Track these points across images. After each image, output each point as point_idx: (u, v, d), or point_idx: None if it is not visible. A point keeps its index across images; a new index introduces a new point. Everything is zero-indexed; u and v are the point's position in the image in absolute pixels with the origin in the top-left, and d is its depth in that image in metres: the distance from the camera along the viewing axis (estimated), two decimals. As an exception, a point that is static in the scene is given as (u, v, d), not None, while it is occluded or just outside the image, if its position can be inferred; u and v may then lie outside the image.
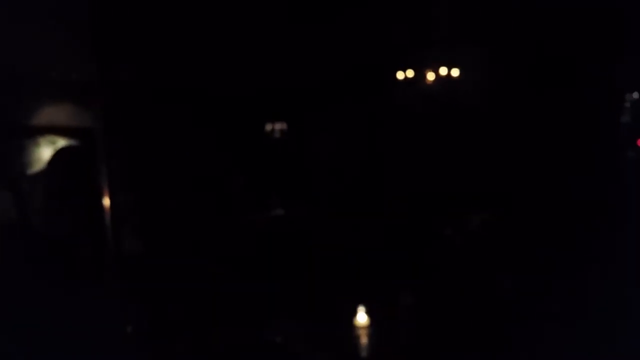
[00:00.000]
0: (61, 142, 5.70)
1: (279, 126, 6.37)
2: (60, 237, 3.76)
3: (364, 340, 4.52)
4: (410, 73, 6.14)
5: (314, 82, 5.99)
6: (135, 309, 4.13)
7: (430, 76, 6.13)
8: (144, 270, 4.47)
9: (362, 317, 4.60)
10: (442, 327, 4.27)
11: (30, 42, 5.14)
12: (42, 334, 3.56)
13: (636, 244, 4.45)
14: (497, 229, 5.47)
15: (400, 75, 6.15)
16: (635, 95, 5.87)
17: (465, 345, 3.88)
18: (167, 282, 4.62)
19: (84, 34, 4.86)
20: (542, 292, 4.41)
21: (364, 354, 4.35)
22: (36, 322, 3.60)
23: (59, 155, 3.98)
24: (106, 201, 4.31)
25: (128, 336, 4.00)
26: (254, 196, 6.04)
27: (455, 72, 6.13)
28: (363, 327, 4.58)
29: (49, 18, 4.80)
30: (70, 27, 4.91)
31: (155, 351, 4.04)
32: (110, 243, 4.20)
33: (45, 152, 5.86)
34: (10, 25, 4.69)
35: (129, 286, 4.17)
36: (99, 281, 3.90)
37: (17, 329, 3.53)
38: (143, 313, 4.18)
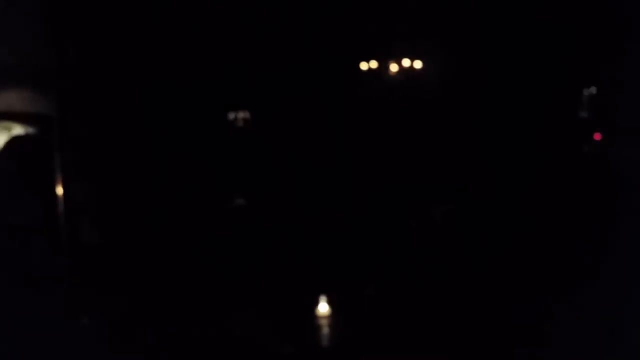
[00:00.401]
0: (17, 128, 5.55)
1: (242, 115, 6.31)
2: (13, 225, 3.66)
3: (325, 330, 4.54)
4: (373, 64, 6.16)
5: (278, 71, 5.95)
6: (91, 300, 4.06)
7: (394, 68, 6.16)
8: (101, 260, 4.39)
9: (323, 307, 4.62)
10: (403, 318, 4.31)
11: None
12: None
13: (591, 233, 4.56)
14: (458, 219, 5.55)
15: (363, 66, 6.17)
16: (592, 89, 6.01)
17: (425, 335, 3.92)
18: (126, 274, 4.55)
19: (42, 19, 4.74)
20: (502, 283, 4.50)
21: (325, 343, 4.37)
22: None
23: (13, 142, 3.86)
24: (61, 190, 4.21)
25: (83, 327, 3.93)
26: (215, 186, 5.98)
27: (417, 64, 6.18)
28: (324, 317, 4.60)
29: (7, 3, 4.67)
30: (29, 12, 4.78)
31: (112, 343, 3.98)
32: (65, 233, 4.12)
33: (0, 138, 5.71)
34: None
35: (85, 277, 4.10)
36: (54, 271, 3.81)
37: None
38: (99, 304, 4.11)
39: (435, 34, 6.07)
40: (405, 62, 6.11)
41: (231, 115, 6.30)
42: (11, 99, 5.81)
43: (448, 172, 5.91)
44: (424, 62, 6.15)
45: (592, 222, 4.80)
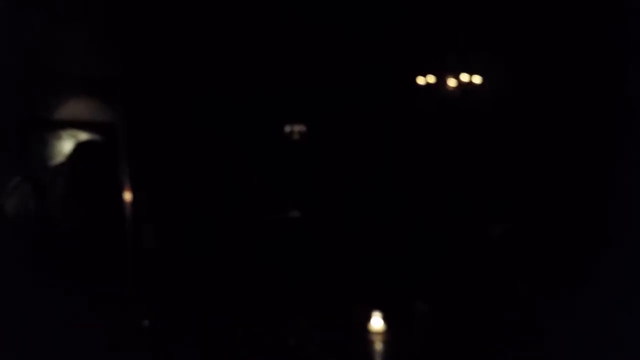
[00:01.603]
0: (83, 136, 5.76)
1: (297, 128, 6.37)
2: (78, 230, 3.79)
3: (378, 346, 4.48)
4: (431, 79, 6.11)
5: (334, 85, 5.98)
6: (151, 304, 4.14)
7: (452, 82, 6.10)
8: (161, 266, 4.48)
9: (376, 323, 4.56)
10: (458, 336, 4.23)
11: (54, 39, 5.21)
12: (58, 328, 3.58)
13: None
14: (517, 237, 5.42)
15: (421, 80, 6.13)
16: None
17: (480, 355, 3.83)
18: (183, 280, 4.63)
19: (108, 30, 4.91)
20: (560, 303, 4.35)
21: (377, 359, 4.32)
22: (52, 315, 3.62)
23: (79, 148, 4.00)
24: (126, 196, 4.33)
25: (144, 331, 4.01)
26: (270, 197, 6.04)
27: (477, 79, 6.09)
28: (377, 333, 4.54)
29: (74, 15, 4.86)
30: (95, 23, 4.96)
31: (170, 347, 4.05)
32: (128, 238, 4.23)
33: (66, 145, 5.93)
34: (35, 22, 4.75)
35: (146, 281, 4.18)
36: (116, 275, 3.91)
37: (33, 322, 3.55)
38: (159, 309, 4.19)
39: (495, 48, 6.00)
40: (464, 77, 6.05)
41: (287, 128, 6.37)
42: (77, 108, 6.03)
43: (507, 189, 5.79)
44: (482, 77, 6.06)
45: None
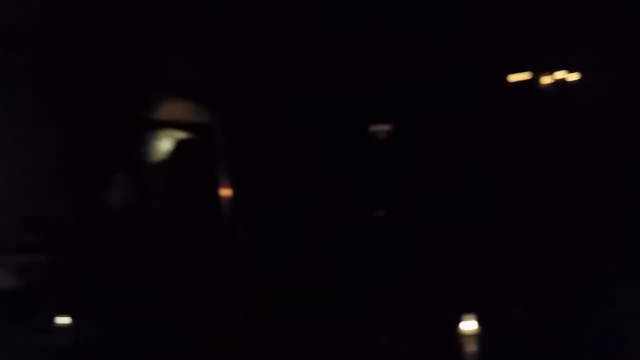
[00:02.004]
0: (180, 136, 6.05)
1: (384, 127, 6.37)
2: (176, 223, 4.00)
3: (470, 348, 4.40)
4: (523, 76, 5.95)
5: (422, 84, 5.94)
6: (243, 298, 4.28)
7: (545, 80, 5.91)
8: (252, 261, 4.62)
9: (469, 325, 4.48)
10: (554, 341, 4.09)
11: (155, 44, 5.50)
12: (162, 312, 3.79)
13: None
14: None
15: (513, 78, 5.98)
16: None
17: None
18: (273, 276, 4.74)
19: (206, 37, 5.12)
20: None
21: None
22: (155, 301, 3.83)
23: (179, 147, 4.22)
24: (222, 192, 4.51)
25: (239, 322, 4.15)
26: (357, 197, 6.07)
27: (572, 77, 5.88)
28: (469, 335, 4.46)
29: (175, 22, 5.11)
30: (194, 30, 5.20)
31: (262, 341, 4.16)
32: (223, 232, 4.39)
33: (165, 145, 6.25)
34: (137, 28, 5.04)
35: (237, 275, 4.33)
36: (210, 268, 4.09)
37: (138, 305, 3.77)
38: (250, 303, 4.32)
39: (591, 45, 5.76)
40: (559, 75, 5.84)
41: (373, 128, 6.39)
42: (175, 110, 6.35)
43: (598, 188, 5.54)
44: (579, 75, 5.84)
45: None
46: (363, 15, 5.45)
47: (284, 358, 4.08)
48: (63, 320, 4.30)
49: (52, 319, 4.34)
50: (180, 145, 4.33)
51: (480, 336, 4.39)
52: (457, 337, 4.42)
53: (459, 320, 4.48)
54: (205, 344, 3.89)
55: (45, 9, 4.73)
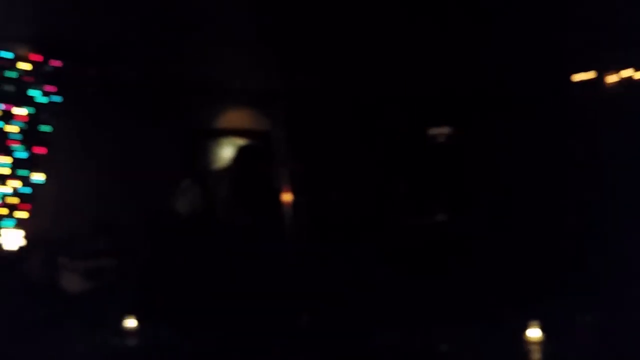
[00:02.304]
0: (242, 143, 6.20)
1: (443, 130, 6.29)
2: (241, 226, 4.09)
3: (535, 356, 4.29)
4: (588, 75, 5.77)
5: (482, 85, 5.84)
6: (304, 301, 4.32)
7: (612, 79, 5.72)
8: (313, 265, 4.66)
9: (534, 332, 4.37)
10: (620, 348, 3.94)
11: (217, 55, 5.66)
12: (225, 315, 3.87)
13: None
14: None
15: (578, 77, 5.81)
16: None
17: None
18: (334, 280, 4.77)
19: (268, 47, 5.21)
20: None
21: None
22: (220, 304, 3.92)
23: (242, 153, 4.31)
24: (284, 197, 4.58)
25: (302, 325, 4.20)
26: (416, 201, 6.03)
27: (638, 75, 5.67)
28: (534, 343, 4.34)
29: (235, 32, 5.22)
30: (257, 42, 5.31)
31: (324, 344, 4.19)
32: (286, 237, 4.47)
33: (227, 152, 6.42)
34: (202, 40, 5.20)
35: (299, 279, 4.37)
36: (274, 271, 4.15)
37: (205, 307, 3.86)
38: (313, 304, 4.35)
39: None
40: (626, 73, 5.64)
41: (432, 131, 6.32)
42: (237, 118, 6.51)
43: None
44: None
45: None
46: (425, 17, 5.41)
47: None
48: (131, 322, 4.45)
49: (121, 321, 4.49)
50: (244, 151, 4.42)
51: (545, 343, 4.27)
52: (522, 344, 4.32)
53: (524, 328, 4.38)
54: (269, 347, 3.95)
55: (115, 24, 4.95)
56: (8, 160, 5.39)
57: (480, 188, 6.02)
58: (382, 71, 5.47)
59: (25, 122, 5.45)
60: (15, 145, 5.41)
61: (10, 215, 5.41)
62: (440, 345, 4.27)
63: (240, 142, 6.04)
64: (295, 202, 4.55)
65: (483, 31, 5.52)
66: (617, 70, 5.67)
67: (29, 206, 5.48)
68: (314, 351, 4.20)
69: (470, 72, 5.73)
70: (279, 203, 4.56)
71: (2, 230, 5.36)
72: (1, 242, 5.31)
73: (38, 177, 5.51)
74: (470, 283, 5.03)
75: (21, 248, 5.35)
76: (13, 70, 5.38)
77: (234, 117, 6.36)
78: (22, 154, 5.43)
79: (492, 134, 6.06)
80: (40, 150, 5.53)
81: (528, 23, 5.35)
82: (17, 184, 5.44)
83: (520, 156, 6.06)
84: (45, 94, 5.54)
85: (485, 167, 6.11)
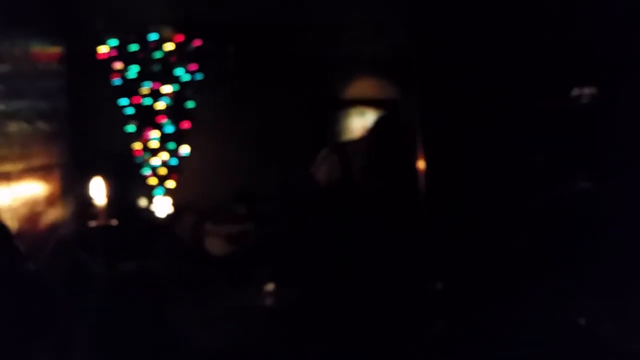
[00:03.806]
0: (370, 113, 6.23)
1: (588, 91, 5.86)
2: (377, 196, 4.14)
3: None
4: None
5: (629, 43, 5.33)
6: (444, 268, 4.30)
7: None
8: (442, 237, 4.61)
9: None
10: None
11: (349, 24, 5.70)
12: (357, 282, 3.97)
13: None
14: None
15: None
16: None
17: None
18: (467, 250, 4.69)
19: (398, 15, 5.16)
20: None
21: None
22: (352, 271, 4.03)
23: (381, 122, 4.34)
24: (419, 167, 4.56)
25: (437, 293, 4.21)
26: (557, 169, 5.70)
27: None
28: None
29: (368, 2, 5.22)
30: (386, 9, 5.28)
31: (456, 311, 4.17)
32: (421, 207, 4.46)
33: (355, 122, 6.49)
34: (327, 7, 5.25)
35: (434, 246, 4.36)
36: (408, 234, 4.18)
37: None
38: (450, 272, 4.32)
39: None
40: None
41: (576, 92, 5.91)
42: (364, 86, 6.55)
43: None
44: None
45: None
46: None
47: (477, 329, 4.05)
48: (269, 285, 4.68)
49: (260, 283, 4.73)
50: (382, 120, 4.46)
51: None
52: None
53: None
54: (399, 314, 4.00)
55: (248, 3, 5.14)
56: (157, 134, 5.84)
57: (625, 154, 5.55)
58: (514, 28, 5.19)
59: (171, 99, 5.86)
60: (163, 121, 5.84)
61: (160, 185, 5.89)
62: (579, 318, 4.08)
63: (373, 111, 6.08)
64: (430, 173, 4.51)
65: None
66: None
67: (176, 176, 5.92)
68: (447, 317, 4.20)
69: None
70: (415, 173, 4.55)
71: (154, 198, 5.85)
72: (153, 209, 5.81)
73: (184, 149, 5.93)
74: (618, 256, 4.74)
75: (169, 215, 5.81)
76: (159, 51, 5.79)
77: (361, 87, 6.41)
78: (170, 129, 5.87)
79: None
80: (185, 124, 5.93)
81: None
82: (166, 156, 5.89)
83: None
84: (189, 72, 5.91)
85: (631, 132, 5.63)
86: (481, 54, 5.10)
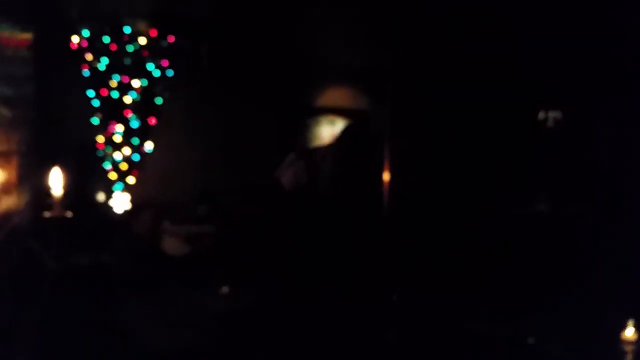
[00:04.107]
0: (340, 122, 6.25)
1: (553, 115, 5.95)
2: (341, 202, 4.15)
3: (630, 357, 4.05)
4: None
5: (596, 66, 5.40)
6: (398, 276, 4.32)
7: None
8: (407, 246, 4.62)
9: (630, 332, 4.13)
10: None
11: (323, 32, 5.69)
12: (318, 288, 3.95)
13: None
14: None
15: None
16: None
17: None
18: (427, 264, 4.71)
19: (373, 24, 5.19)
20: None
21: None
22: (311, 277, 4.01)
23: (347, 132, 4.37)
24: (384, 177, 4.58)
25: (392, 303, 4.22)
26: (519, 189, 5.78)
27: None
28: (630, 343, 4.11)
29: (341, 10, 5.23)
30: (360, 18, 5.30)
31: (411, 322, 4.17)
32: (383, 216, 4.47)
33: (324, 130, 6.49)
34: (304, 14, 5.25)
35: (394, 258, 4.37)
36: (368, 248, 4.19)
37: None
38: (405, 283, 4.33)
39: None
40: None
41: (541, 115, 6.01)
42: (336, 95, 6.56)
43: None
44: None
45: None
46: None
47: (430, 341, 4.06)
48: (226, 287, 4.61)
49: (217, 285, 4.66)
50: (349, 130, 4.48)
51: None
52: (619, 344, 4.09)
53: (622, 327, 4.14)
54: (358, 322, 3.99)
55: (224, 2, 5.11)
56: (122, 128, 5.74)
57: (592, 179, 5.60)
58: (490, 52, 5.25)
59: (139, 94, 5.76)
60: (129, 115, 5.74)
61: (120, 180, 5.77)
62: (527, 338, 4.13)
63: (343, 120, 6.09)
64: (394, 183, 4.53)
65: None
66: None
67: (137, 173, 5.82)
68: (401, 328, 4.21)
69: (583, 49, 5.30)
70: (379, 183, 4.57)
71: (113, 193, 5.73)
72: (111, 204, 5.69)
73: (148, 146, 5.84)
74: (570, 276, 4.81)
75: (127, 211, 5.70)
76: (131, 44, 5.70)
77: (331, 95, 6.42)
78: (135, 124, 5.77)
79: (606, 121, 5.61)
80: (152, 121, 5.85)
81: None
82: (128, 151, 5.79)
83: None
84: (159, 67, 5.83)
85: (596, 156, 5.71)
86: (454, 69, 5.18)
